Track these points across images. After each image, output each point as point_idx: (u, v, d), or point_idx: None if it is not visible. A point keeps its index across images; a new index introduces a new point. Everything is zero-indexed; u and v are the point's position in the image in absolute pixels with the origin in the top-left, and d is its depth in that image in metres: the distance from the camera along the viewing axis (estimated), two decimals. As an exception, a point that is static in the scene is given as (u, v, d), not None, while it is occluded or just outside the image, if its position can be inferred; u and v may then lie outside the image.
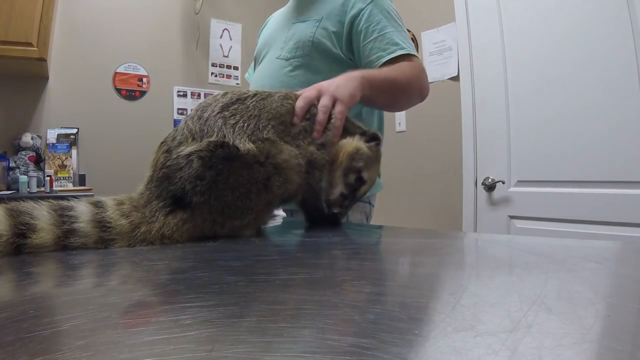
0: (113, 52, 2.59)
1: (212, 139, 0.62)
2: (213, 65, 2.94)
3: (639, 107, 1.46)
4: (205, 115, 0.66)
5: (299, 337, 0.23)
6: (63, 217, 0.53)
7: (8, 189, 2.09)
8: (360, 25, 1.03)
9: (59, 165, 2.27)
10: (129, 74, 2.64)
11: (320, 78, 0.97)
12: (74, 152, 2.34)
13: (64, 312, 0.30)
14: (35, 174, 2.20)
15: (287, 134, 0.72)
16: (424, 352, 0.22)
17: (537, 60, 1.76)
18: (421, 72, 1.03)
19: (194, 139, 0.63)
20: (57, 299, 0.34)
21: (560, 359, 0.20)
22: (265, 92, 0.74)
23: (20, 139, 2.26)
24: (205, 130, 0.64)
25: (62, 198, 0.59)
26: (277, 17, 1.26)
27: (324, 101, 0.79)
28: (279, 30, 1.18)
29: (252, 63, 1.37)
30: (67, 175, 2.28)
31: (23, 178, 2.11)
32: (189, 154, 0.61)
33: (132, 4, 2.67)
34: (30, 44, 2.02)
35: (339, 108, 0.81)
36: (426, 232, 0.86)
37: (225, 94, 0.71)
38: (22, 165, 2.20)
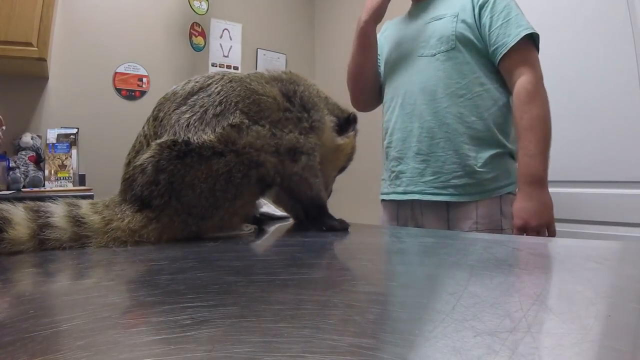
0: (113, 52, 2.59)
1: (162, 139, 0.61)
2: (213, 65, 2.94)
3: (639, 107, 1.46)
4: (161, 114, 0.64)
5: (299, 337, 0.23)
6: (38, 213, 0.54)
7: (8, 189, 2.08)
8: (487, 14, 1.09)
9: (59, 165, 2.27)
10: (129, 74, 2.64)
11: (467, 68, 1.10)
12: (74, 152, 2.34)
13: (64, 312, 0.30)
14: (35, 174, 2.19)
15: (263, 116, 0.67)
16: (424, 352, 0.22)
17: (537, 60, 1.76)
18: (541, 94, 1.06)
19: (148, 144, 0.62)
20: (57, 299, 0.34)
21: (560, 359, 0.20)
22: (234, 74, 0.71)
23: (20, 139, 2.26)
24: (159, 132, 0.62)
25: (62, 198, 0.60)
26: (398, 24, 1.31)
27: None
28: (410, 34, 1.22)
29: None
30: (67, 175, 2.27)
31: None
32: (142, 163, 0.60)
33: (132, 4, 2.67)
34: (30, 44, 2.02)
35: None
36: (426, 232, 0.86)
37: (188, 82, 0.68)
38: (22, 165, 2.20)
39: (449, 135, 1.09)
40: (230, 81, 0.67)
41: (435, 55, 1.13)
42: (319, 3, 3.42)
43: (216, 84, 0.65)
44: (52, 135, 2.33)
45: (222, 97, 0.64)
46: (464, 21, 1.11)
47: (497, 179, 1.08)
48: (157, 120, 0.64)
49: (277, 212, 0.98)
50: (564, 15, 1.68)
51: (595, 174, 1.57)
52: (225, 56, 3.01)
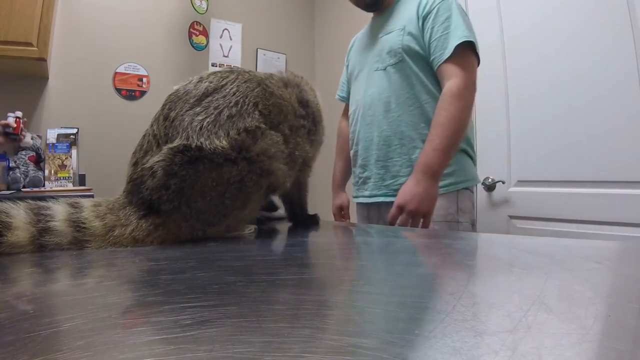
0: (113, 52, 2.59)
1: (174, 144, 0.58)
2: (213, 65, 2.94)
3: (638, 107, 1.46)
4: (173, 114, 0.61)
5: (299, 337, 0.23)
6: (39, 216, 0.53)
7: (8, 189, 2.08)
8: (429, 25, 1.16)
9: (59, 165, 2.27)
10: (129, 74, 2.64)
11: (415, 78, 1.18)
12: (74, 152, 2.34)
13: (64, 312, 0.30)
14: (35, 174, 2.19)
15: (282, 120, 0.67)
16: (424, 352, 0.22)
17: (537, 61, 1.76)
18: (464, 98, 1.10)
19: (158, 145, 0.60)
20: (57, 299, 0.34)
21: (560, 359, 0.20)
22: (249, 72, 0.69)
23: (20, 139, 2.26)
24: (170, 134, 0.60)
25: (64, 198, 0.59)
26: (361, 38, 1.43)
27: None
28: (368, 48, 1.33)
29: (343, 83, 1.54)
30: (67, 175, 2.27)
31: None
32: (152, 167, 0.58)
33: (132, 3, 2.67)
34: (30, 44, 2.01)
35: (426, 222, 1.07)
36: (426, 232, 0.86)
37: (200, 81, 0.64)
38: (22, 165, 2.20)
39: (403, 141, 1.20)
40: (246, 81, 0.65)
41: (386, 68, 1.23)
42: (319, 3, 3.42)
43: (232, 84, 0.63)
44: (52, 135, 2.33)
45: (238, 98, 0.62)
46: (410, 33, 1.19)
47: (452, 175, 1.17)
48: (167, 120, 0.61)
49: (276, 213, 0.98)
50: (563, 15, 1.68)
51: (595, 174, 1.57)
52: (225, 56, 3.01)
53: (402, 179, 1.18)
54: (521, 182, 1.83)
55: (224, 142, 0.58)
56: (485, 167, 1.95)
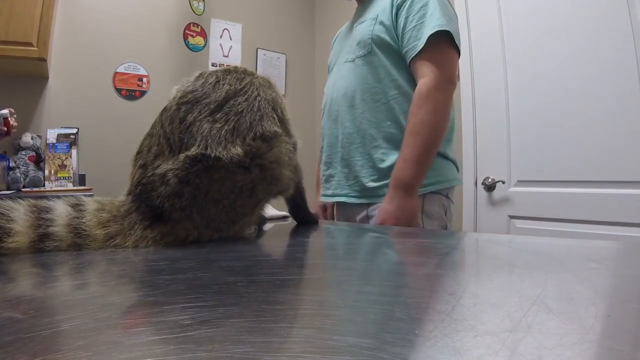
0: (113, 52, 2.59)
1: (192, 152, 0.56)
2: (213, 65, 2.94)
3: (639, 107, 1.46)
4: (190, 118, 0.58)
5: (299, 337, 0.23)
6: (39, 220, 0.52)
7: (8, 189, 2.08)
8: (403, 14, 1.06)
9: (59, 165, 2.27)
10: (129, 74, 2.64)
11: (383, 72, 1.08)
12: (74, 152, 2.34)
13: (64, 312, 0.30)
14: (35, 174, 2.19)
15: (288, 120, 0.68)
16: (424, 352, 0.22)
17: (537, 61, 1.76)
18: (433, 99, 1.00)
19: (171, 150, 0.58)
20: (57, 299, 0.34)
21: (560, 359, 0.20)
22: (257, 74, 0.68)
23: (20, 138, 2.26)
24: (185, 140, 0.57)
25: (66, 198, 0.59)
26: (343, 29, 1.33)
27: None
28: (345, 39, 1.24)
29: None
30: (67, 175, 2.27)
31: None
32: (164, 174, 0.56)
33: (132, 3, 2.67)
34: (30, 44, 2.02)
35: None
36: (426, 232, 0.86)
37: (218, 82, 0.62)
38: (22, 165, 2.20)
39: (364, 140, 1.12)
40: (262, 85, 0.65)
41: (354, 60, 1.13)
42: (319, 3, 3.43)
43: (250, 87, 0.63)
44: (52, 135, 2.33)
45: (260, 102, 0.62)
46: (382, 23, 1.09)
47: None
48: (183, 123, 0.58)
49: (277, 212, 0.98)
50: (564, 15, 1.68)
51: (595, 174, 1.57)
52: (225, 56, 3.01)
53: (364, 179, 1.12)
54: (521, 182, 1.83)
55: (239, 149, 0.57)
56: (485, 167, 1.95)
